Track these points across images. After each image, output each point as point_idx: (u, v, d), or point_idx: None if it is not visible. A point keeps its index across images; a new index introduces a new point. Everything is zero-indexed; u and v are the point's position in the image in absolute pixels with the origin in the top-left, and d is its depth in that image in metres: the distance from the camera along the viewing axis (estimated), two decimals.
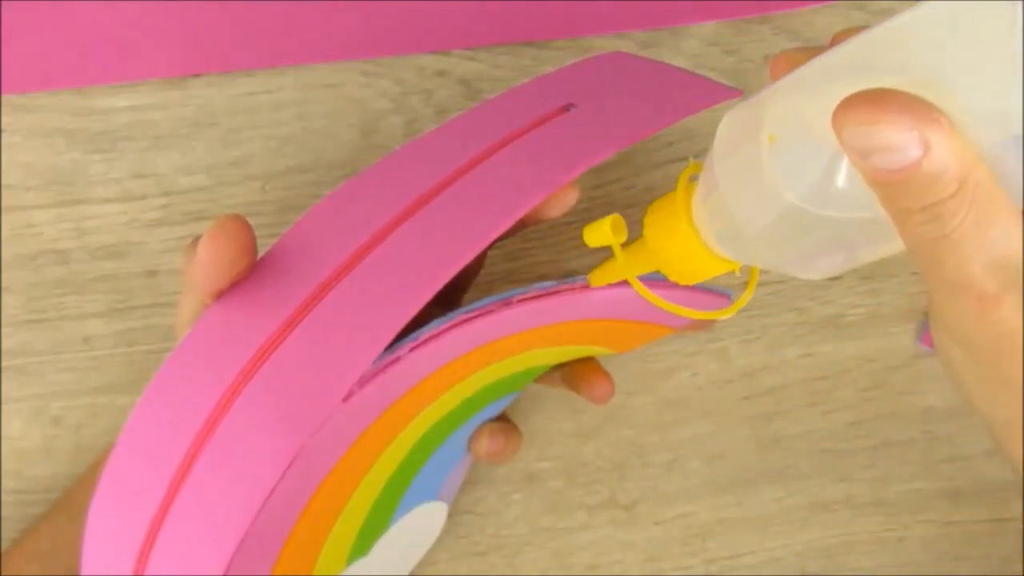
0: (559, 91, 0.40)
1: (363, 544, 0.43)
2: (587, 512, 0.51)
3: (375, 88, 0.51)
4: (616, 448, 0.51)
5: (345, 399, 0.32)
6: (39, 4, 0.50)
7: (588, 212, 0.51)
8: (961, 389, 0.32)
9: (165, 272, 0.50)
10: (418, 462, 0.43)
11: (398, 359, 0.34)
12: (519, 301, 0.37)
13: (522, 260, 0.51)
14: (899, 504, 0.52)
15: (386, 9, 0.51)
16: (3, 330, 0.50)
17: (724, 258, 0.34)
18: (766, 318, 0.52)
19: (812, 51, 0.31)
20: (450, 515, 0.49)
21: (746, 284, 0.44)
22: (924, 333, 0.51)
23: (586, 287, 0.38)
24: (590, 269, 0.51)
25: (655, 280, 0.40)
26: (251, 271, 0.35)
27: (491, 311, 0.36)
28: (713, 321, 0.47)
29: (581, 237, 0.50)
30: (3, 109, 0.50)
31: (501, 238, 0.37)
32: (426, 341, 0.35)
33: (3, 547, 0.49)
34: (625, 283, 0.39)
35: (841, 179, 0.28)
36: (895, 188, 0.27)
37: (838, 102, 0.26)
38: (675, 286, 0.40)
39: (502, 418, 0.46)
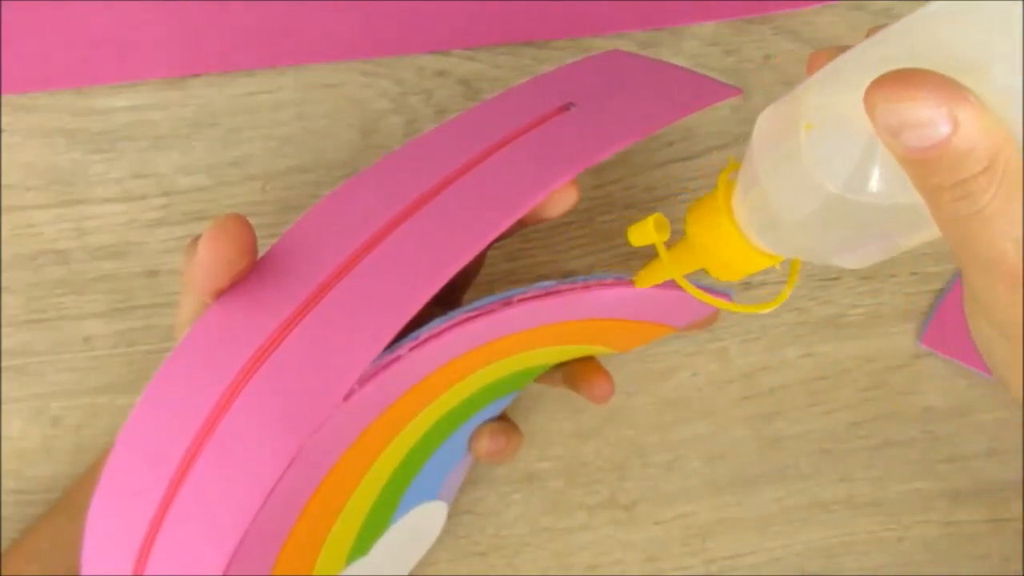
0: (558, 90, 0.40)
1: (363, 544, 0.43)
2: (587, 512, 0.51)
3: (375, 88, 0.51)
4: (616, 448, 0.51)
5: (345, 398, 0.32)
6: (39, 4, 0.50)
7: (588, 212, 0.51)
8: (996, 370, 0.32)
9: (165, 272, 0.50)
10: (418, 462, 0.43)
11: (398, 358, 0.34)
12: (519, 301, 0.37)
13: (522, 260, 0.51)
14: (899, 504, 0.52)
15: (386, 9, 0.51)
16: (3, 330, 0.50)
17: (766, 252, 0.35)
18: (766, 318, 0.52)
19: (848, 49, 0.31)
20: (450, 515, 0.49)
21: (747, 284, 0.44)
22: (924, 333, 0.51)
23: (587, 286, 0.38)
24: (592, 268, 0.51)
25: (627, 281, 0.40)
26: (251, 271, 0.35)
27: (491, 311, 0.36)
28: (714, 320, 0.47)
29: (581, 237, 0.51)
30: (3, 109, 0.50)
31: (501, 238, 0.37)
32: (426, 340, 0.35)
33: (3, 547, 0.49)
34: (623, 284, 0.39)
35: (877, 165, 0.29)
36: (927, 166, 0.27)
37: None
38: (674, 284, 0.41)
39: (502, 418, 0.46)
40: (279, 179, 0.51)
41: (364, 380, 0.33)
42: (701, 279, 0.41)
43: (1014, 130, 0.27)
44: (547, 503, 0.51)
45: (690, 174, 0.51)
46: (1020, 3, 0.26)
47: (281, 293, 0.34)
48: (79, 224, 0.50)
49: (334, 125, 0.51)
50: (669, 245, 0.37)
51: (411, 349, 0.34)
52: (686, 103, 0.39)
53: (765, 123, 0.32)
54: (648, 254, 0.51)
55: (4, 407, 0.50)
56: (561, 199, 0.38)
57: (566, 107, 0.39)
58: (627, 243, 0.51)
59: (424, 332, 0.35)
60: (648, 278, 0.39)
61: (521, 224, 0.39)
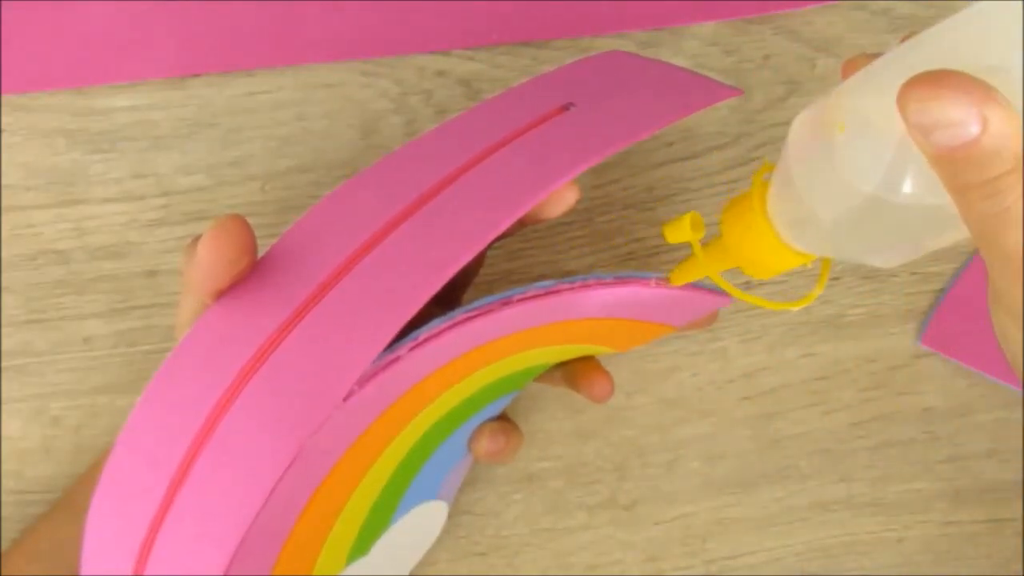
0: (558, 90, 0.40)
1: (363, 544, 0.43)
2: (587, 512, 0.51)
3: (375, 88, 0.51)
4: (616, 448, 0.51)
5: (345, 399, 0.32)
6: (39, 4, 0.50)
7: (588, 212, 0.51)
8: (1018, 369, 0.33)
9: (165, 272, 0.50)
10: (418, 462, 0.43)
11: (398, 359, 0.34)
12: (519, 300, 0.37)
13: (522, 260, 0.51)
14: (899, 504, 0.52)
15: (386, 9, 0.51)
16: (3, 330, 0.50)
17: (799, 251, 0.36)
18: (766, 318, 0.52)
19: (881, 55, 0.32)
20: (450, 515, 0.49)
21: (747, 282, 0.44)
22: (924, 333, 0.51)
23: (586, 286, 0.38)
24: (591, 268, 0.51)
25: (663, 278, 0.40)
26: (251, 271, 0.35)
27: (491, 310, 0.36)
28: (713, 320, 0.47)
29: (580, 237, 0.51)
30: (3, 109, 0.50)
31: (501, 238, 0.37)
32: (426, 340, 0.35)
33: (3, 547, 0.49)
34: (623, 283, 0.39)
35: (908, 166, 0.30)
36: (956, 165, 0.28)
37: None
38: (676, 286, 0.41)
39: (502, 417, 0.46)
40: (279, 179, 0.51)
41: (364, 381, 0.33)
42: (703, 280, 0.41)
43: None
44: (547, 503, 0.51)
45: (690, 174, 0.51)
46: None
47: (281, 293, 0.34)
48: (79, 224, 0.50)
49: (334, 125, 0.51)
50: (704, 242, 0.39)
51: (411, 349, 0.34)
52: (686, 103, 0.39)
53: (800, 126, 0.33)
54: (647, 255, 0.51)
55: (4, 407, 0.50)
56: (561, 199, 0.38)
57: (566, 107, 0.39)
58: (627, 243, 0.51)
59: (424, 332, 0.35)
60: (683, 275, 0.40)
61: (521, 224, 0.39)
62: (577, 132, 0.37)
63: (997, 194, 0.28)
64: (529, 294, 0.37)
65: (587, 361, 0.46)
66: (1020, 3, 0.27)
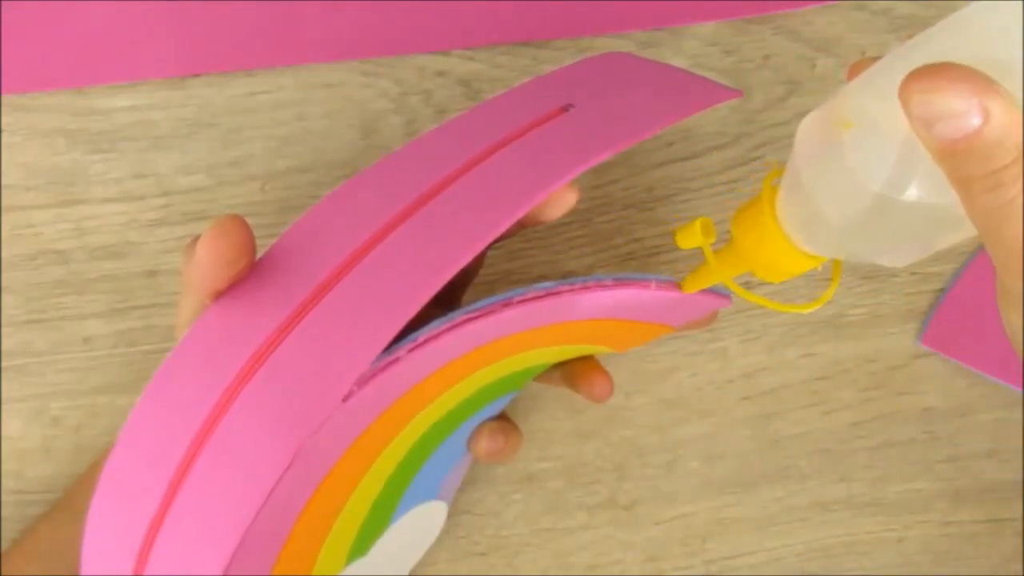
0: (558, 91, 0.40)
1: (362, 544, 0.43)
2: (587, 512, 0.51)
3: (375, 88, 0.51)
4: (616, 448, 0.51)
5: (344, 399, 0.32)
6: (39, 4, 0.50)
7: (587, 212, 0.51)
8: None
9: (165, 272, 0.50)
10: (417, 462, 0.43)
11: (397, 360, 0.34)
12: (519, 302, 0.37)
13: (521, 260, 0.51)
14: (899, 504, 0.52)
15: (386, 9, 0.51)
16: (3, 330, 0.50)
17: (810, 254, 0.36)
18: (766, 318, 0.52)
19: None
20: (450, 515, 0.49)
21: (750, 284, 0.44)
22: (924, 333, 0.51)
23: (586, 287, 0.38)
24: (591, 268, 0.51)
25: (663, 281, 0.40)
26: (250, 271, 0.35)
27: (490, 312, 0.36)
28: (712, 320, 0.47)
29: (580, 238, 0.51)
30: (3, 109, 0.50)
31: (500, 239, 0.37)
32: (425, 342, 0.35)
33: (3, 547, 0.49)
34: (622, 285, 0.39)
35: (914, 165, 0.30)
36: (959, 157, 0.28)
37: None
38: (675, 287, 0.41)
39: (502, 417, 0.46)
40: (279, 179, 0.51)
41: (363, 381, 0.33)
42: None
43: None
44: (547, 503, 0.51)
45: (689, 174, 0.51)
46: None
47: (280, 294, 0.34)
48: (79, 224, 0.50)
49: (334, 125, 0.51)
50: (715, 248, 0.39)
51: (410, 350, 0.34)
52: (686, 105, 0.39)
53: (807, 128, 0.33)
54: (647, 255, 0.51)
55: (4, 407, 0.50)
56: (560, 201, 0.38)
57: (566, 108, 0.38)
58: (626, 243, 0.51)
59: (423, 333, 0.35)
60: (696, 283, 0.40)
61: (521, 225, 0.39)
62: (577, 133, 0.37)
63: (1000, 186, 0.28)
64: (529, 295, 0.37)
65: (586, 361, 0.46)
66: (1020, 1, 0.27)
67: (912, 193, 0.30)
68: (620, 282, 0.39)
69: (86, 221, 0.50)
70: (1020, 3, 0.27)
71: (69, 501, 0.48)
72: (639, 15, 0.51)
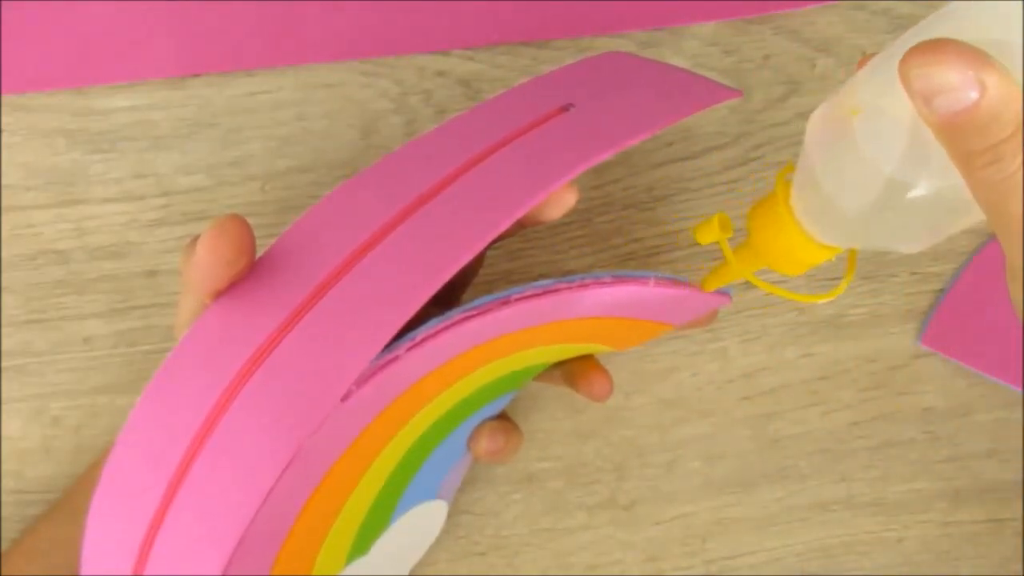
0: (558, 91, 0.40)
1: (362, 543, 0.43)
2: (587, 512, 0.51)
3: (375, 88, 0.51)
4: (616, 448, 0.51)
5: (343, 399, 0.32)
6: (39, 4, 0.50)
7: (587, 212, 0.51)
8: None
9: (165, 272, 0.50)
10: (417, 461, 0.43)
11: (396, 358, 0.34)
12: (517, 300, 0.37)
13: (521, 260, 0.51)
14: (899, 504, 0.52)
15: (386, 9, 0.51)
16: (3, 330, 0.50)
17: (826, 245, 0.37)
18: (766, 318, 0.52)
19: None
20: (450, 515, 0.49)
21: (747, 283, 0.44)
22: (924, 333, 0.51)
23: (584, 285, 0.38)
24: (591, 268, 0.51)
25: (662, 278, 0.40)
26: (250, 271, 0.35)
27: (489, 310, 0.36)
28: (712, 319, 0.47)
29: (580, 237, 0.51)
30: (3, 109, 0.50)
31: (500, 238, 0.37)
32: (424, 340, 0.35)
33: (3, 547, 0.49)
34: (622, 283, 0.39)
35: (923, 149, 0.30)
36: (958, 132, 0.28)
37: None
38: (674, 285, 0.41)
39: (502, 417, 0.46)
40: (279, 179, 0.51)
41: (362, 380, 0.33)
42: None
43: None
44: (547, 503, 0.51)
45: (689, 174, 0.51)
46: None
47: (280, 293, 0.34)
48: (79, 224, 0.50)
49: (334, 125, 0.51)
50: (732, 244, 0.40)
51: (409, 349, 0.34)
52: (686, 104, 0.39)
53: (816, 121, 0.34)
54: (647, 255, 0.51)
55: (4, 407, 0.50)
56: (560, 201, 0.38)
57: (566, 108, 0.38)
58: (626, 243, 0.51)
59: (422, 332, 0.35)
60: (717, 280, 0.41)
61: (520, 225, 0.39)
62: (577, 133, 0.37)
63: (999, 160, 0.28)
64: (527, 293, 0.37)
65: (586, 360, 0.46)
66: None
67: (923, 176, 0.31)
68: (619, 279, 0.39)
69: (86, 221, 0.50)
70: None
71: (69, 501, 0.48)
72: (639, 15, 0.51)
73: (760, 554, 0.52)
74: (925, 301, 0.52)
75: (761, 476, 0.52)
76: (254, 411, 0.33)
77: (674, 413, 0.52)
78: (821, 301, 0.43)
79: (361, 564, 0.44)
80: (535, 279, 0.47)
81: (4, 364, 0.50)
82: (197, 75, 0.51)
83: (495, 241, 0.36)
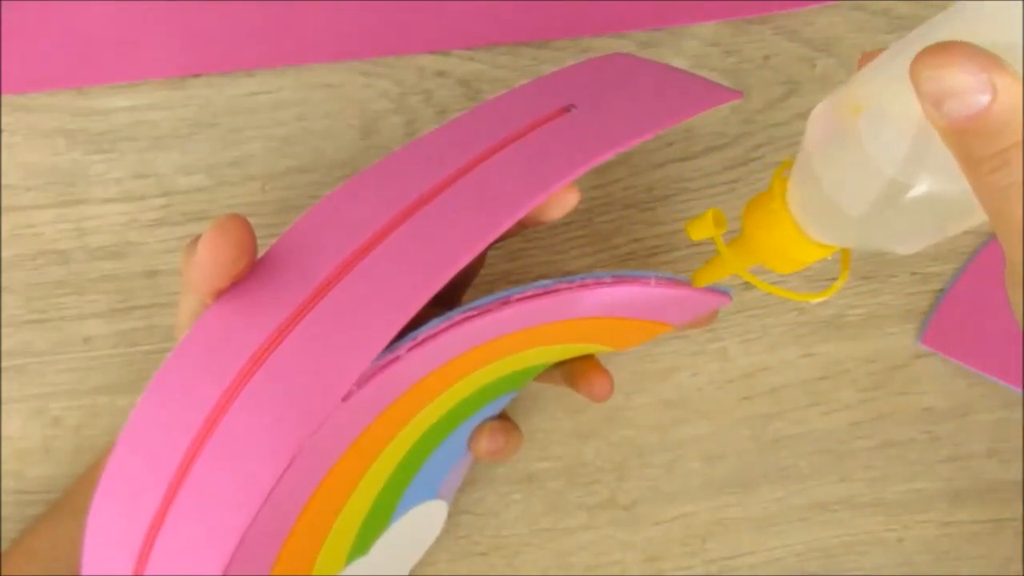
0: (560, 92, 0.40)
1: (363, 543, 0.43)
2: (587, 512, 0.51)
3: (375, 88, 0.51)
4: (616, 448, 0.51)
5: (344, 399, 0.32)
6: (39, 4, 0.50)
7: (587, 212, 0.51)
8: None
9: (165, 272, 0.50)
10: (418, 461, 0.43)
11: (397, 359, 0.34)
12: (517, 300, 0.37)
13: (521, 260, 0.51)
14: (899, 504, 0.52)
15: (386, 9, 0.51)
16: (3, 330, 0.50)
17: (821, 244, 0.36)
18: (766, 318, 0.52)
19: None
20: (450, 515, 0.49)
21: (747, 283, 0.44)
22: (924, 333, 0.51)
23: (584, 285, 0.38)
24: (591, 268, 0.51)
25: (663, 278, 0.40)
26: (251, 271, 0.35)
27: (490, 310, 0.36)
28: (712, 319, 0.47)
29: (580, 237, 0.51)
30: (3, 109, 0.50)
31: (501, 239, 0.37)
32: (425, 340, 0.35)
33: (3, 547, 0.49)
34: (622, 283, 0.39)
35: (926, 150, 0.30)
36: (967, 136, 0.28)
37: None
38: (675, 285, 0.41)
39: (502, 417, 0.46)
40: (279, 179, 0.51)
41: (363, 381, 0.33)
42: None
43: None
44: (547, 503, 0.51)
45: (689, 174, 0.51)
46: None
47: (281, 293, 0.34)
48: (79, 224, 0.50)
49: (334, 125, 0.51)
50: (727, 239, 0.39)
51: (410, 349, 0.34)
52: (687, 106, 0.39)
53: (817, 118, 0.34)
54: (647, 255, 0.51)
55: (4, 407, 0.50)
56: (561, 202, 0.38)
57: (567, 109, 0.39)
58: (626, 243, 0.51)
59: (423, 332, 0.35)
60: (708, 275, 0.40)
61: (521, 226, 0.39)
62: (578, 134, 0.37)
63: (1007, 165, 0.28)
64: (528, 293, 0.37)
65: (586, 360, 0.46)
66: None
67: (924, 178, 0.31)
68: (619, 279, 0.39)
69: (86, 221, 0.50)
70: None
71: (69, 501, 0.48)
72: (639, 15, 0.51)
73: (760, 554, 0.52)
74: (925, 301, 0.52)
75: (761, 476, 0.52)
76: (255, 411, 0.33)
77: (674, 413, 0.52)
78: (815, 301, 0.42)
79: (361, 564, 0.44)
80: (535, 279, 0.47)
81: (4, 364, 0.50)
82: (197, 75, 0.51)
83: (496, 241, 0.36)
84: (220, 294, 0.35)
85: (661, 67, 0.42)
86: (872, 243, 0.34)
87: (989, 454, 0.52)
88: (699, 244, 0.48)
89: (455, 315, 0.35)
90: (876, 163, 0.31)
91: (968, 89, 0.27)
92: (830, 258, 0.38)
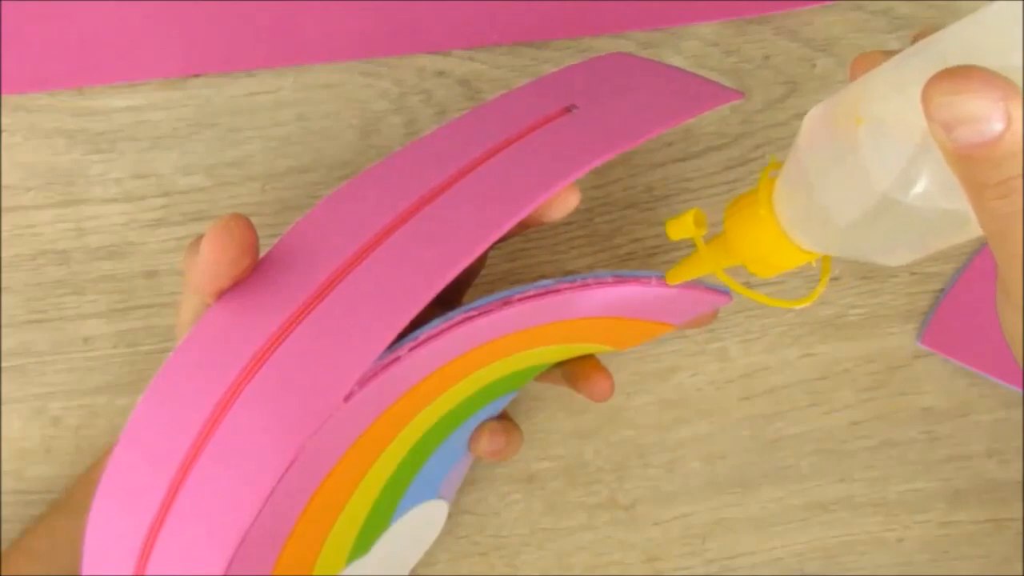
0: (561, 92, 0.40)
1: (363, 543, 0.43)
2: (587, 512, 0.51)
3: (375, 88, 0.51)
4: (616, 448, 0.51)
5: (346, 399, 0.32)
6: (39, 4, 0.50)
7: (588, 212, 0.51)
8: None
9: (165, 272, 0.50)
10: (418, 461, 0.43)
11: (398, 359, 0.34)
12: (519, 300, 0.37)
13: (522, 260, 0.51)
14: (899, 504, 0.52)
15: (386, 9, 0.51)
16: (3, 330, 0.50)
17: (804, 250, 0.35)
18: (766, 318, 0.52)
19: (891, 53, 0.32)
20: (450, 515, 0.49)
21: (746, 284, 0.44)
22: (924, 333, 0.51)
23: (586, 285, 0.38)
24: (591, 268, 0.51)
25: (663, 278, 0.40)
26: (253, 271, 0.35)
27: (491, 310, 0.36)
28: (712, 318, 0.47)
29: (580, 237, 0.51)
30: (3, 109, 0.50)
31: (503, 239, 0.37)
32: (426, 340, 0.35)
33: (3, 547, 0.49)
34: (622, 283, 0.39)
35: (926, 167, 0.30)
36: (975, 162, 0.28)
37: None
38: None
39: (503, 417, 0.46)
40: (279, 179, 0.51)
41: (365, 381, 0.33)
42: (703, 277, 0.41)
43: None
44: (547, 503, 0.51)
45: (689, 174, 0.51)
46: None
47: (282, 293, 0.34)
48: (79, 224, 0.50)
49: (334, 125, 0.51)
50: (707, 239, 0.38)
51: (411, 349, 0.34)
52: (689, 106, 0.39)
53: (812, 123, 0.33)
54: (647, 255, 0.51)
55: (4, 407, 0.50)
56: (562, 202, 0.38)
57: (569, 109, 0.39)
58: (626, 243, 0.51)
59: (424, 332, 0.35)
60: (684, 272, 0.39)
61: (523, 226, 0.39)
62: (579, 134, 0.37)
63: (1013, 193, 0.28)
64: (529, 293, 0.37)
65: (587, 360, 0.46)
66: None
67: (920, 195, 0.30)
68: (620, 279, 0.39)
69: (86, 221, 0.50)
70: None
71: (69, 501, 0.48)
72: (639, 15, 0.51)
73: (760, 554, 0.52)
74: (925, 301, 0.52)
75: (761, 476, 0.52)
76: (257, 411, 0.33)
77: (674, 413, 0.52)
78: (794, 308, 0.41)
79: (362, 564, 0.44)
80: (535, 279, 0.47)
81: (4, 364, 0.50)
82: (197, 75, 0.51)
83: (497, 241, 0.36)
84: (222, 294, 0.35)
85: (662, 67, 0.42)
86: (857, 253, 0.34)
87: (989, 454, 0.52)
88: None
89: (456, 315, 0.35)
90: (871, 176, 0.31)
91: (983, 117, 0.27)
92: (815, 265, 0.37)
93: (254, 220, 0.36)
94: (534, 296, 0.37)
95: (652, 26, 0.52)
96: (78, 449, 0.50)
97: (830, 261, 0.39)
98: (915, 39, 0.32)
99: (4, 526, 0.49)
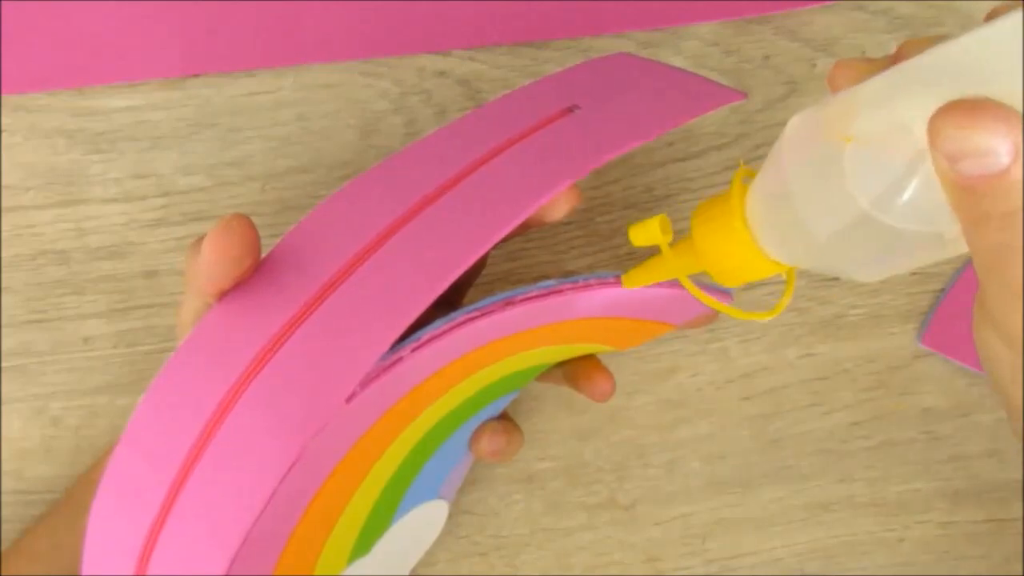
0: (563, 92, 0.40)
1: (364, 543, 0.43)
2: (587, 512, 0.51)
3: (375, 88, 0.51)
4: (616, 448, 0.51)
5: (347, 400, 0.32)
6: (39, 4, 0.50)
7: (588, 212, 0.51)
8: (999, 385, 0.32)
9: (165, 272, 0.50)
10: (419, 462, 0.43)
11: (400, 360, 0.34)
12: (520, 301, 0.37)
13: (522, 260, 0.51)
14: (899, 504, 0.52)
15: (386, 9, 0.51)
16: (3, 330, 0.50)
17: (774, 261, 0.34)
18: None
19: (874, 61, 0.32)
20: (450, 515, 0.49)
21: (750, 284, 0.44)
22: (924, 333, 0.51)
23: (587, 285, 0.38)
24: (591, 268, 0.51)
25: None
26: (254, 271, 0.35)
27: (492, 311, 0.36)
28: (713, 318, 0.47)
29: (581, 238, 0.51)
30: (3, 109, 0.50)
31: (504, 239, 0.37)
32: (428, 341, 0.35)
33: (3, 547, 0.49)
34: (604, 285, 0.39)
35: (913, 189, 0.29)
36: (976, 194, 0.27)
37: (931, 110, 0.27)
38: (675, 285, 0.41)
39: (503, 417, 0.46)
40: (279, 179, 0.51)
41: (366, 382, 0.33)
42: (700, 278, 0.41)
43: None
44: (547, 503, 0.51)
45: (689, 174, 0.51)
46: None
47: (284, 294, 0.34)
48: (79, 224, 0.50)
49: (334, 125, 0.51)
50: (673, 244, 0.37)
51: (413, 350, 0.34)
52: (690, 107, 0.39)
53: (795, 132, 0.32)
54: (647, 256, 0.51)
55: (4, 407, 0.50)
56: (563, 203, 0.38)
57: (570, 109, 0.39)
58: (626, 243, 0.51)
59: (426, 333, 0.35)
60: (643, 277, 0.38)
61: (524, 226, 0.39)
62: (581, 135, 0.37)
63: (1013, 226, 0.27)
64: (531, 294, 0.37)
65: (588, 360, 0.46)
66: None
67: (902, 216, 0.29)
68: (620, 279, 0.39)
69: (86, 221, 0.50)
70: None
71: (69, 501, 0.48)
72: (639, 15, 0.51)
73: (760, 554, 0.52)
74: (925, 301, 0.52)
75: (761, 476, 0.52)
76: (258, 412, 0.33)
77: (674, 413, 0.52)
78: (762, 319, 0.39)
79: (363, 564, 0.44)
80: (536, 279, 0.47)
81: (4, 364, 0.50)
82: (197, 75, 0.51)
83: (499, 242, 0.36)
84: (223, 294, 0.35)
85: (663, 67, 0.42)
86: (832, 267, 0.33)
87: (989, 454, 0.52)
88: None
89: (458, 316, 0.35)
90: (857, 194, 0.30)
91: (992, 152, 0.27)
92: (784, 276, 0.36)
93: (254, 220, 0.36)
94: (536, 297, 0.37)
95: (652, 26, 0.52)
96: (78, 449, 0.50)
97: (794, 274, 0.38)
98: (901, 50, 0.31)
99: (4, 526, 0.49)
